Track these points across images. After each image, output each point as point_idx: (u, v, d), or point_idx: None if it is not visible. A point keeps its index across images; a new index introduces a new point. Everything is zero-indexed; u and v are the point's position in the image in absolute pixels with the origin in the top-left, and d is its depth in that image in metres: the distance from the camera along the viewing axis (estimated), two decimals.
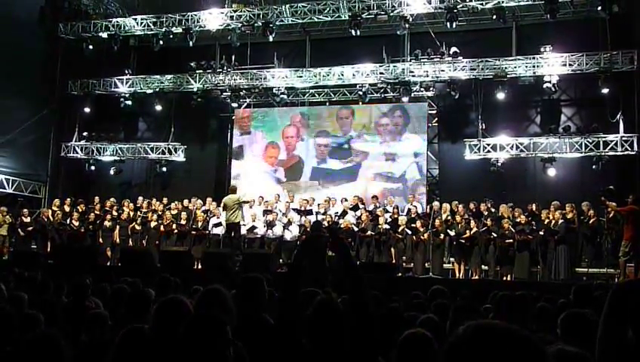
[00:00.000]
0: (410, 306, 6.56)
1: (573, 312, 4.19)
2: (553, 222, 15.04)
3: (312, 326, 3.08)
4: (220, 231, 17.36)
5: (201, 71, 21.50)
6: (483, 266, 15.78)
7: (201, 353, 2.52)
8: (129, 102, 22.38)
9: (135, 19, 21.52)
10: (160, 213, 18.50)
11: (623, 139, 17.70)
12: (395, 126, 20.44)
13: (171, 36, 21.17)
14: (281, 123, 21.70)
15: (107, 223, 18.14)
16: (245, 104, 22.32)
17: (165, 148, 22.32)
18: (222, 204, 16.42)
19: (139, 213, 18.73)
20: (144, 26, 21.48)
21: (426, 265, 15.96)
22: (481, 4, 18.29)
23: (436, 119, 21.09)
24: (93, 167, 22.84)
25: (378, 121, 20.69)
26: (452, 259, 16.31)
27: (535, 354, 1.31)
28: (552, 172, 18.53)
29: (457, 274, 15.81)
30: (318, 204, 18.10)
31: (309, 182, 20.94)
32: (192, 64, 21.56)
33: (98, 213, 18.66)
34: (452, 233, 15.89)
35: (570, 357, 2.22)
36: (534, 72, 18.61)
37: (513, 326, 1.37)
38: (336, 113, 21.21)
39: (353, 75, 20.13)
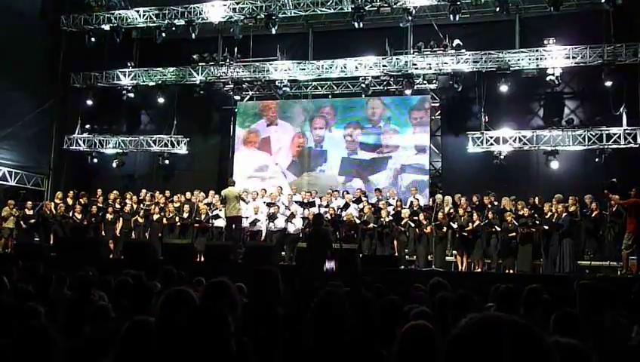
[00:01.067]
0: (410, 299, 6.56)
1: (566, 312, 4.23)
2: (556, 215, 15.02)
3: (316, 319, 3.09)
4: (220, 223, 17.38)
5: (203, 63, 21.50)
6: (485, 259, 15.78)
7: (203, 345, 2.52)
8: (131, 95, 22.38)
9: (137, 11, 21.48)
10: (162, 205, 18.51)
11: (626, 132, 17.67)
12: (424, 118, 20.32)
13: (174, 28, 21.13)
14: (309, 114, 21.50)
15: (110, 216, 18.16)
16: (248, 97, 22.30)
17: (168, 140, 22.32)
18: (222, 196, 16.44)
19: (141, 205, 18.75)
20: (146, 18, 21.45)
21: (429, 257, 15.98)
22: None
23: (439, 112, 21.04)
24: (95, 160, 22.88)
25: (409, 113, 20.56)
26: (454, 252, 16.31)
27: (539, 345, 1.31)
28: (554, 165, 18.51)
29: (460, 267, 15.83)
30: (321, 197, 18.11)
31: (338, 173, 20.77)
32: (194, 56, 21.56)
33: (101, 205, 18.68)
34: (455, 226, 15.89)
35: (566, 347, 2.23)
36: (537, 65, 18.57)
37: (516, 317, 1.37)
38: (367, 104, 20.99)
39: (356, 67, 20.09)
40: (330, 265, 11.52)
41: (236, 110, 22.32)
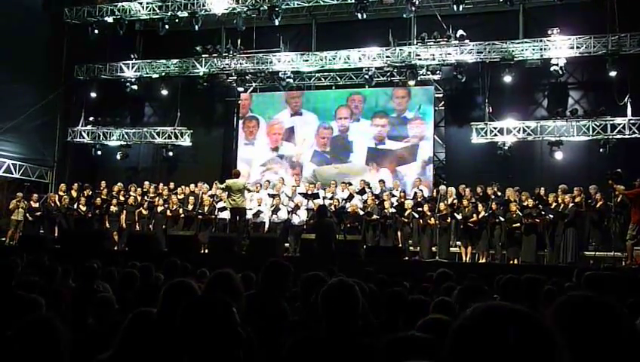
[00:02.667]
0: (416, 289, 6.58)
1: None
2: (562, 205, 15.00)
3: (328, 308, 3.12)
4: (225, 215, 17.41)
5: (206, 55, 21.48)
6: (490, 250, 15.78)
7: (207, 334, 2.52)
8: (135, 87, 22.39)
9: (140, 3, 21.46)
10: (166, 197, 18.53)
11: (631, 122, 17.62)
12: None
13: (177, 20, 21.15)
14: (334, 104, 21.33)
15: (114, 208, 18.19)
16: (251, 88, 22.29)
17: (171, 132, 22.35)
18: (225, 186, 16.39)
19: (145, 197, 18.78)
20: (149, 10, 21.42)
21: (433, 248, 15.98)
22: None
23: (443, 103, 21.00)
24: (99, 152, 22.95)
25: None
26: (459, 243, 16.31)
27: (544, 334, 1.31)
28: (559, 155, 18.48)
29: (464, 258, 15.82)
30: (324, 188, 18.12)
31: (365, 164, 20.61)
32: (197, 48, 21.54)
33: (105, 197, 18.71)
34: (459, 217, 15.88)
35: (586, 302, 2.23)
36: (541, 55, 18.51)
37: (521, 307, 1.37)
38: (393, 93, 20.86)
39: (359, 58, 20.05)
40: None
41: (239, 102, 22.32)
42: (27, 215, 17.99)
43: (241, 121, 22.25)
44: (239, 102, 22.39)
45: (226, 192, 16.05)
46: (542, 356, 1.29)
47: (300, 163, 21.18)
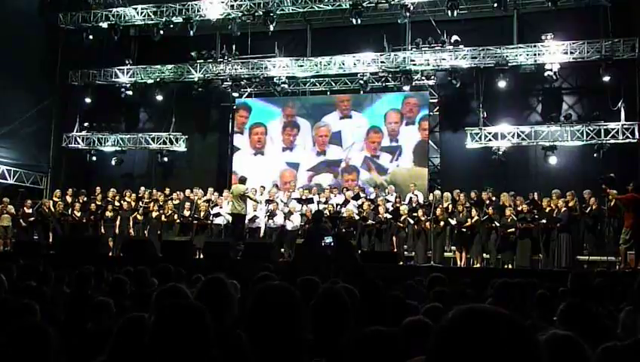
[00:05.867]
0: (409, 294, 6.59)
1: (573, 303, 4.23)
2: (556, 210, 15.04)
3: (317, 316, 3.06)
4: (220, 220, 17.42)
5: (201, 61, 21.48)
6: (484, 254, 15.81)
7: (177, 341, 2.53)
8: (130, 93, 22.39)
9: (135, 8, 21.48)
10: (162, 203, 18.51)
11: (625, 126, 17.69)
12: None
13: (172, 26, 21.16)
14: (385, 107, 20.95)
15: (109, 213, 18.16)
16: (246, 93, 22.31)
17: (166, 138, 22.33)
18: (230, 191, 16.40)
19: (140, 203, 18.75)
20: (144, 15, 21.44)
21: (428, 253, 16.00)
22: None
23: (437, 108, 21.04)
24: (94, 158, 22.90)
25: None
26: (453, 248, 16.33)
27: (525, 337, 1.33)
28: (553, 160, 18.54)
29: (459, 263, 15.85)
30: (319, 193, 18.13)
31: (416, 167, 20.29)
32: (192, 54, 21.53)
33: (100, 203, 18.68)
34: (453, 221, 15.91)
35: (562, 339, 2.25)
36: (535, 60, 18.59)
37: (503, 309, 1.39)
38: None
39: (354, 64, 20.09)
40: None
41: (234, 107, 22.31)
42: (21, 221, 17.95)
43: (278, 127, 21.80)
44: (283, 110, 21.92)
45: (230, 197, 16.12)
46: (522, 358, 1.31)
47: (350, 167, 20.75)
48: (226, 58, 21.21)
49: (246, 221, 17.02)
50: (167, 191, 19.31)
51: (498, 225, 15.46)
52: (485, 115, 19.44)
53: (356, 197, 17.35)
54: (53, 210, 18.35)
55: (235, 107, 22.45)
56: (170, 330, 2.51)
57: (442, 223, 15.88)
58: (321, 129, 21.27)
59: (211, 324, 2.57)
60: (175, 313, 2.59)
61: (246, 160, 21.75)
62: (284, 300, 2.55)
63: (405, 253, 16.41)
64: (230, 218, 16.79)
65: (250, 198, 16.66)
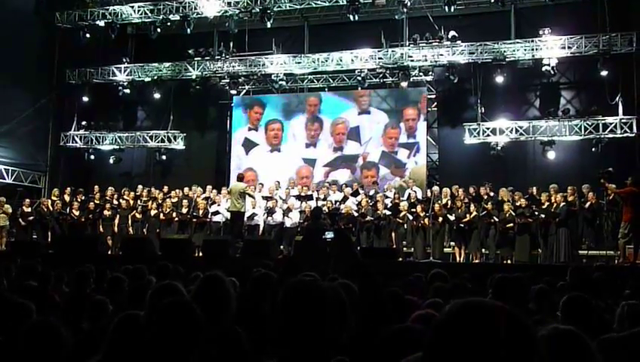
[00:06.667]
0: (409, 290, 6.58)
1: (576, 296, 4.23)
2: (555, 204, 15.04)
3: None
4: (219, 218, 17.42)
5: (199, 58, 21.46)
6: (483, 250, 15.81)
7: (167, 338, 2.52)
8: (127, 91, 22.35)
9: (132, 6, 21.43)
10: (160, 201, 18.49)
11: (622, 121, 17.70)
12: None
13: (169, 23, 21.12)
14: (403, 103, 20.88)
15: (107, 212, 18.14)
16: (244, 91, 22.28)
17: (165, 136, 22.31)
18: (229, 189, 16.42)
19: (139, 201, 18.73)
20: (141, 13, 21.41)
21: (427, 249, 16.00)
22: None
23: (435, 104, 21.04)
24: (92, 157, 22.87)
25: None
26: (452, 243, 16.34)
27: (522, 329, 1.33)
28: (551, 155, 18.54)
29: (458, 258, 15.85)
30: (318, 190, 18.13)
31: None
32: (190, 51, 21.51)
33: (98, 202, 18.66)
34: (452, 217, 15.91)
35: (564, 334, 2.25)
36: (533, 55, 18.58)
37: (500, 303, 1.39)
38: None
39: (352, 60, 20.08)
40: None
41: (232, 105, 22.29)
42: (20, 220, 17.92)
43: (302, 121, 21.62)
44: (306, 103, 21.81)
45: (227, 195, 16.15)
46: (519, 350, 1.31)
47: (368, 163, 20.63)
48: (223, 55, 21.20)
49: (245, 218, 17.03)
50: (166, 189, 19.28)
51: (497, 220, 15.46)
52: (483, 111, 19.43)
53: (355, 194, 17.35)
54: (51, 209, 18.33)
55: (233, 104, 22.48)
56: (161, 326, 2.51)
57: (441, 219, 15.89)
58: (338, 126, 21.16)
59: (202, 319, 2.56)
60: (165, 310, 2.59)
61: (262, 156, 21.71)
62: (314, 297, 2.42)
63: (404, 249, 16.42)
64: (229, 215, 16.79)
65: (249, 195, 16.65)
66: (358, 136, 20.97)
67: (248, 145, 22.09)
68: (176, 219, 17.76)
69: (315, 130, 21.40)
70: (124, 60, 22.63)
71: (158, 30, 21.18)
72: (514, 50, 18.68)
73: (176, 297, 2.80)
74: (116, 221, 18.14)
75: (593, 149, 17.87)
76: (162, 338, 2.50)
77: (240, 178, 16.73)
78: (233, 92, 21.93)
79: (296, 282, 2.53)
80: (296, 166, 21.22)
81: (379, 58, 19.83)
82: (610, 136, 17.75)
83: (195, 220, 17.62)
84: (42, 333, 2.89)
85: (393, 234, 16.40)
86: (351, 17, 19.13)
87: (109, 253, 17.19)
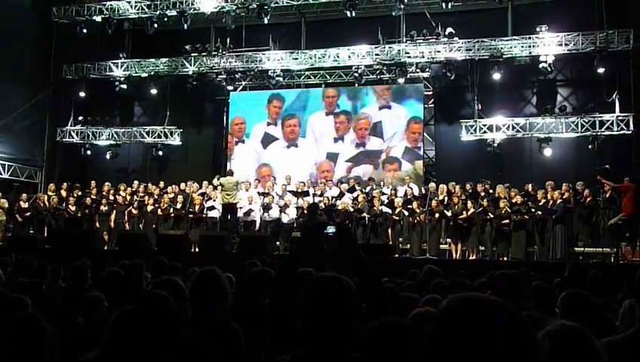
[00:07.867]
0: (404, 287, 6.59)
1: (574, 292, 4.23)
2: (551, 201, 15.07)
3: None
4: (215, 214, 17.42)
5: (196, 54, 21.42)
6: (480, 246, 15.82)
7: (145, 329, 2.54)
8: (124, 86, 22.31)
9: (129, 2, 21.38)
10: (157, 196, 18.48)
11: (619, 118, 17.72)
12: None
13: (166, 19, 21.10)
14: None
15: (104, 208, 18.12)
16: (241, 87, 22.26)
17: (161, 131, 22.29)
18: (218, 184, 16.42)
19: (135, 196, 18.71)
20: (138, 9, 21.36)
21: (423, 246, 16.01)
22: None
23: (432, 100, 21.04)
24: (89, 152, 22.87)
25: None
26: (449, 240, 16.34)
27: (519, 324, 1.33)
28: (548, 152, 18.56)
29: (454, 255, 15.85)
30: (314, 186, 18.13)
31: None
32: (187, 47, 21.47)
33: (94, 197, 18.61)
34: (449, 214, 15.92)
35: (570, 331, 2.25)
36: (530, 52, 18.60)
37: (497, 298, 1.39)
38: None
39: (349, 56, 20.07)
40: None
41: (229, 100, 22.24)
42: (16, 215, 17.89)
43: (323, 116, 21.34)
44: (325, 98, 21.47)
45: (219, 190, 16.15)
46: (516, 344, 1.31)
47: (390, 158, 20.38)
48: (220, 51, 21.16)
49: (240, 212, 17.07)
50: (162, 184, 19.27)
51: (493, 216, 15.46)
52: (480, 107, 19.45)
53: (351, 190, 17.35)
54: (47, 204, 18.30)
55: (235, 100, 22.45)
56: (140, 318, 2.53)
57: (437, 215, 15.90)
58: (360, 121, 20.87)
59: (176, 311, 2.59)
60: (142, 302, 2.60)
61: (279, 152, 21.46)
62: (340, 292, 2.49)
63: (400, 245, 16.43)
64: (221, 211, 16.88)
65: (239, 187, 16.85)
66: (381, 131, 20.71)
67: (268, 139, 21.67)
68: (173, 214, 17.75)
69: (341, 122, 21.07)
70: (121, 56, 22.60)
71: (155, 26, 21.13)
72: (511, 47, 18.68)
73: (151, 290, 2.82)
74: (113, 216, 18.11)
75: (590, 146, 17.89)
76: (140, 329, 2.54)
77: (231, 173, 16.87)
78: (230, 88, 21.89)
79: (321, 277, 2.57)
80: (312, 161, 20.91)
81: (376, 54, 19.82)
82: (607, 133, 17.77)
83: (191, 216, 17.61)
84: (24, 328, 2.88)
85: (389, 231, 16.40)
86: (348, 13, 19.13)
87: (105, 248, 17.17)
